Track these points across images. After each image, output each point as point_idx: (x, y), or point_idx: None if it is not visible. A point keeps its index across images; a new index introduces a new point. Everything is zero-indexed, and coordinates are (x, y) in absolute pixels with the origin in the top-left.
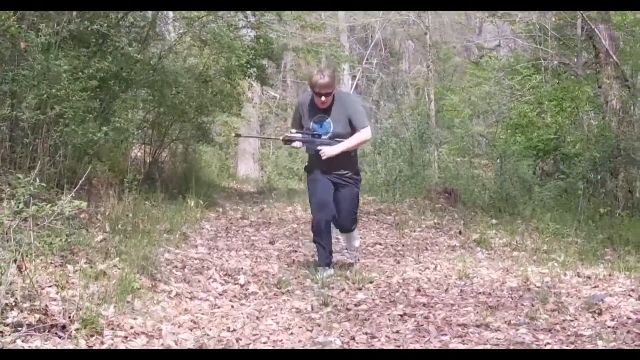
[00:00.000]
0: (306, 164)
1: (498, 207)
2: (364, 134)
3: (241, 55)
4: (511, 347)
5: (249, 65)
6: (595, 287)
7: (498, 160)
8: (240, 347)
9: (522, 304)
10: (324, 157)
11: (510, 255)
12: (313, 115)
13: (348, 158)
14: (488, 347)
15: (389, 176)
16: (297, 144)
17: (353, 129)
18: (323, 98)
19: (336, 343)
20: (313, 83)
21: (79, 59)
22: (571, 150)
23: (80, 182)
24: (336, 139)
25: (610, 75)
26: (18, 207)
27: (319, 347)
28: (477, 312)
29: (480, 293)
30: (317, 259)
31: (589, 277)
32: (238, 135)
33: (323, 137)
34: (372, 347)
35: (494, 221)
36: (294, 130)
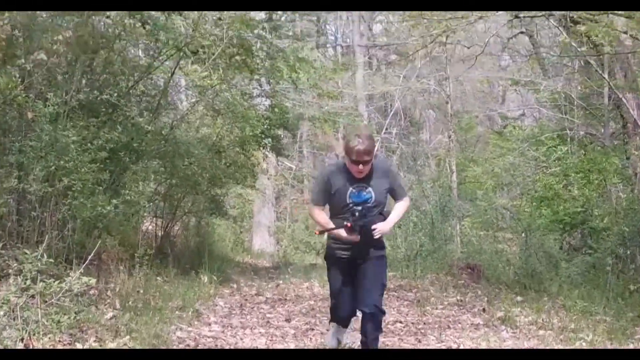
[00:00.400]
0: (327, 250)
1: (523, 284)
2: (407, 202)
3: (255, 125)
4: None
5: (263, 136)
6: None
7: (523, 235)
8: None
9: None
10: (378, 235)
11: (536, 334)
12: (350, 185)
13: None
14: None
15: (410, 251)
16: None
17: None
18: (361, 167)
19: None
20: (350, 149)
21: (88, 129)
22: (599, 224)
23: (90, 257)
24: (377, 210)
25: (638, 146)
26: (25, 283)
27: None
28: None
29: None
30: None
31: None
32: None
33: (360, 207)
34: None
35: (519, 298)
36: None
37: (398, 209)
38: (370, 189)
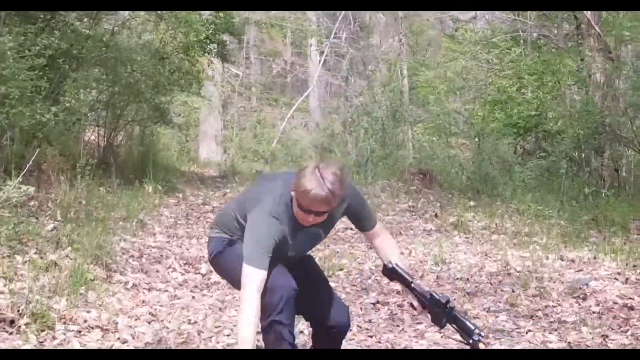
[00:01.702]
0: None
1: (476, 189)
2: (385, 229)
3: (200, 30)
4: (490, 335)
5: (208, 41)
6: (579, 270)
7: (476, 139)
8: (203, 339)
9: (502, 290)
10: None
11: (489, 238)
12: (294, 234)
13: None
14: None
15: (360, 157)
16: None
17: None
18: (312, 218)
19: (304, 333)
20: (303, 193)
21: (26, 35)
22: (553, 127)
23: (28, 166)
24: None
25: (593, 47)
26: None
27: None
28: (455, 299)
29: (457, 279)
30: None
31: (572, 261)
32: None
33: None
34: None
35: (472, 203)
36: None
37: (392, 244)
38: (320, 230)
